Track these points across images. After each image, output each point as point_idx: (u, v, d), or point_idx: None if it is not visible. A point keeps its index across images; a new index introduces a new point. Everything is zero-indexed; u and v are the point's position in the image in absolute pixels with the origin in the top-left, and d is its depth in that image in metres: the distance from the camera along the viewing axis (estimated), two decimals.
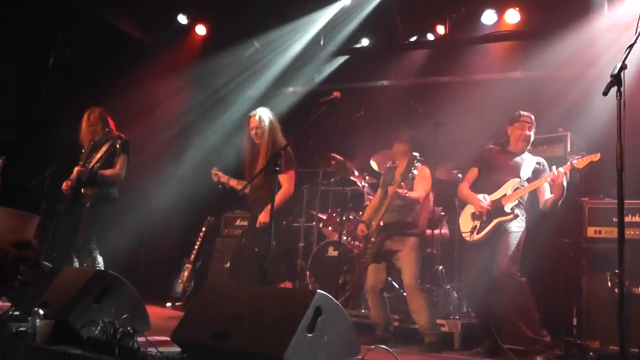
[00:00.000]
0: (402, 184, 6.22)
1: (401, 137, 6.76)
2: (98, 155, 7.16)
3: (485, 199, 5.96)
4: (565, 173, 5.61)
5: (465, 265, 6.45)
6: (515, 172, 6.02)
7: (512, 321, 5.69)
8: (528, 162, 6.08)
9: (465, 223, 6.14)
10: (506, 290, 5.68)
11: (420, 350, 6.17)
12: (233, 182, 6.90)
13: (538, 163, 6.10)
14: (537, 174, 6.02)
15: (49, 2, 9.07)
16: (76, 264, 6.94)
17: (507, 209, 5.83)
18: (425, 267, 6.74)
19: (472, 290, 6.21)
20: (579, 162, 5.55)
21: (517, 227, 5.89)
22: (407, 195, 6.25)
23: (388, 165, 7.04)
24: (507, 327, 5.87)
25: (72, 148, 7.38)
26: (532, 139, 6.16)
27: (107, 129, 7.33)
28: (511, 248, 5.78)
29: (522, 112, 6.17)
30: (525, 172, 6.01)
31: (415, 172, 6.20)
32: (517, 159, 6.12)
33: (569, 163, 5.62)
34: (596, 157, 5.51)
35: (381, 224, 6.45)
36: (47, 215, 7.39)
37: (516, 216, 5.80)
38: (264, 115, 6.69)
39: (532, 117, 6.17)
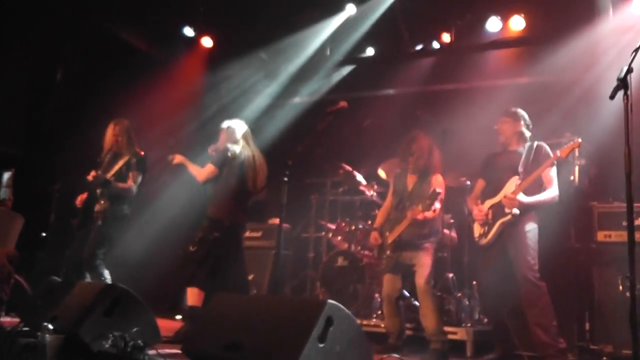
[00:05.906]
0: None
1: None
2: (114, 169, 7.13)
3: (480, 210, 5.91)
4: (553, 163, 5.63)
5: (479, 268, 6.36)
6: (513, 168, 5.84)
7: (529, 326, 5.56)
8: (527, 152, 5.88)
9: (476, 229, 6.03)
10: (525, 294, 5.56)
11: (424, 358, 6.08)
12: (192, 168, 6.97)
13: (539, 147, 5.92)
14: (539, 158, 5.83)
15: (55, 15, 9.11)
16: (88, 279, 6.92)
17: (506, 209, 5.69)
18: (436, 273, 6.68)
19: (487, 293, 6.11)
20: (562, 151, 5.52)
21: (530, 226, 5.72)
22: (427, 217, 6.18)
23: (398, 171, 6.92)
24: (523, 333, 5.76)
25: (81, 161, 7.37)
26: (520, 131, 5.98)
27: (129, 143, 7.28)
28: (529, 249, 5.62)
29: (505, 111, 6.11)
30: (524, 163, 5.82)
31: (438, 190, 6.07)
32: (515, 155, 5.93)
33: (554, 154, 5.60)
34: (577, 143, 5.55)
35: (398, 239, 6.39)
36: (56, 229, 7.40)
37: (514, 215, 5.63)
38: (231, 125, 6.98)
39: (516, 112, 6.03)
